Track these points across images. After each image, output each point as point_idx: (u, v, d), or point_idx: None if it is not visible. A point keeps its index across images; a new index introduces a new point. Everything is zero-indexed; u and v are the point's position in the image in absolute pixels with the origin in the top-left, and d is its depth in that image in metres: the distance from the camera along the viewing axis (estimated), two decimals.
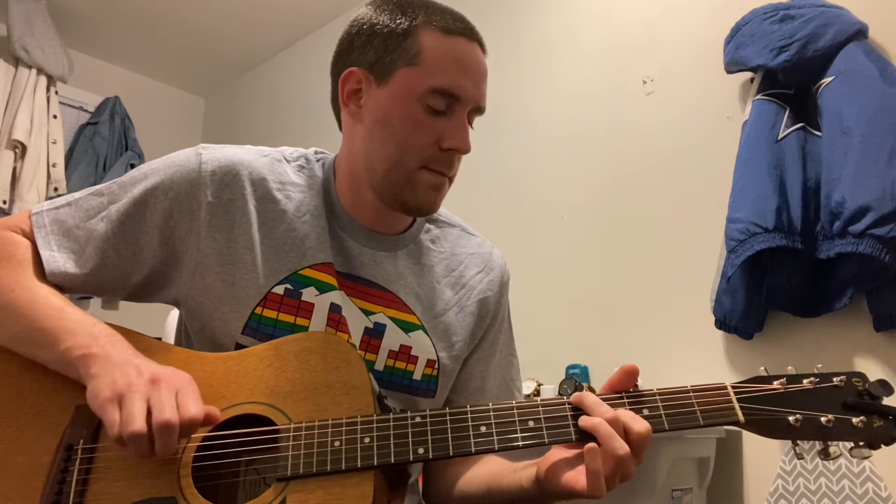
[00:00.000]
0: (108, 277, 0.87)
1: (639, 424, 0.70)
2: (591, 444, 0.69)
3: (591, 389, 1.86)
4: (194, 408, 0.70)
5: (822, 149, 1.59)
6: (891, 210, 1.42)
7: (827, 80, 1.61)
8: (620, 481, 0.70)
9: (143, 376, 0.71)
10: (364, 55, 0.88)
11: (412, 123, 0.85)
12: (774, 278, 1.64)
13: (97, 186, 0.91)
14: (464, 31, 0.88)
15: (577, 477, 0.71)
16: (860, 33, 1.63)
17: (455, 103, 0.86)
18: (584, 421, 0.72)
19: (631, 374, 0.76)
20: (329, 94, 0.95)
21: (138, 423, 0.67)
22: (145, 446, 0.68)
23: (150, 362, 0.75)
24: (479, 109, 0.90)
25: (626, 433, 0.70)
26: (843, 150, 1.52)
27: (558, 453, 0.76)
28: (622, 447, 0.69)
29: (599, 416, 0.71)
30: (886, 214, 1.42)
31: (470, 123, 0.90)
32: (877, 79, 1.54)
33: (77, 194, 0.90)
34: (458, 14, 0.90)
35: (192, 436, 0.72)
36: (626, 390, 0.76)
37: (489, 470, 0.89)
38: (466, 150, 0.87)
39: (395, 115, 0.86)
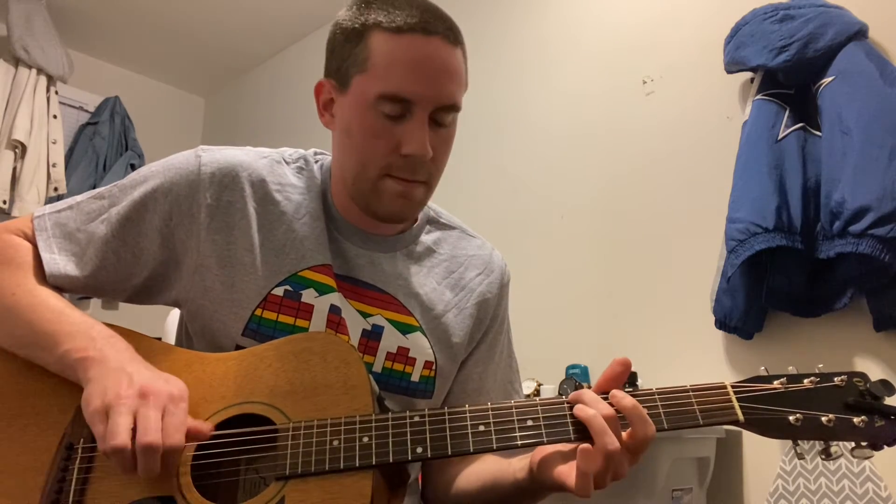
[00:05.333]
0: (108, 279, 0.88)
1: (649, 429, 0.69)
2: (585, 445, 0.68)
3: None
4: (177, 436, 0.69)
5: (822, 149, 1.59)
6: (891, 210, 1.42)
7: (827, 80, 1.61)
8: (613, 479, 0.69)
9: (134, 387, 0.70)
10: (331, 64, 0.87)
11: (370, 132, 0.82)
12: (774, 278, 1.64)
13: (98, 189, 0.91)
14: (416, 26, 0.79)
15: (568, 472, 0.70)
16: (860, 33, 1.63)
17: (411, 106, 0.80)
18: (578, 410, 0.71)
19: (625, 366, 0.74)
20: None
21: (120, 439, 0.66)
22: (129, 462, 0.67)
23: (144, 370, 0.74)
24: (448, 107, 0.83)
25: (631, 436, 0.69)
26: (842, 150, 1.52)
27: (554, 445, 0.75)
28: (613, 443, 0.68)
29: (597, 410, 0.70)
30: (886, 214, 1.42)
31: (442, 123, 0.84)
32: (877, 79, 1.54)
33: (78, 197, 0.91)
34: (420, 5, 0.82)
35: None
36: (620, 385, 0.74)
37: (486, 466, 0.88)
38: (425, 154, 0.81)
39: (355, 124, 0.83)
